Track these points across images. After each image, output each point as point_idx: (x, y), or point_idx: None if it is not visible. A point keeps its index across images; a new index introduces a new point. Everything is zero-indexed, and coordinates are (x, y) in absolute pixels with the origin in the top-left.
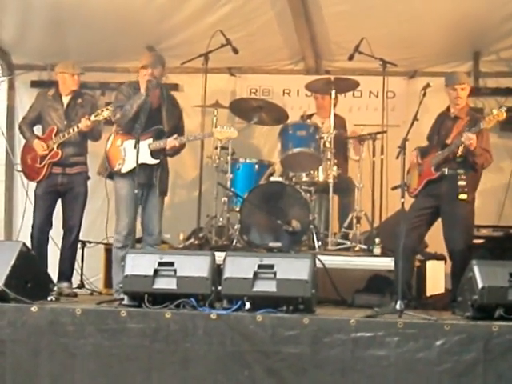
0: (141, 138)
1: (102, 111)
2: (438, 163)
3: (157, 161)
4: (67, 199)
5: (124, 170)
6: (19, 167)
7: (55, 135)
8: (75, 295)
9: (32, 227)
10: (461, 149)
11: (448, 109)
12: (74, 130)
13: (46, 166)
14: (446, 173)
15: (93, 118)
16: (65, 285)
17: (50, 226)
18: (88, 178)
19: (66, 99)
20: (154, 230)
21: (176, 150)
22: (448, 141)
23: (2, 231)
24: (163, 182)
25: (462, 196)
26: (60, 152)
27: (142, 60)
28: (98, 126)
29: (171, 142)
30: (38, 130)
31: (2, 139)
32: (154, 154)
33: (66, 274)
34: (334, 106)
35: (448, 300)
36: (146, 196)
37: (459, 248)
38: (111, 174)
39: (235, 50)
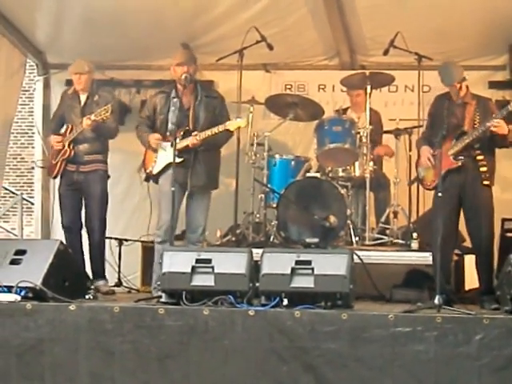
0: (169, 139)
1: (101, 112)
2: (457, 152)
3: (180, 159)
4: (86, 199)
5: (155, 171)
6: (39, 163)
7: (69, 133)
8: (113, 292)
9: (62, 227)
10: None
11: (448, 94)
12: (80, 128)
13: (59, 163)
14: (465, 161)
15: (92, 117)
16: (101, 283)
17: (80, 224)
18: (107, 176)
19: (83, 97)
20: (198, 227)
21: (214, 142)
22: (465, 128)
23: (39, 230)
24: (199, 180)
25: (486, 182)
26: (69, 150)
27: (175, 58)
28: (106, 124)
29: (192, 139)
30: None
31: (39, 138)
32: (179, 152)
33: (98, 272)
34: (369, 100)
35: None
36: (189, 195)
37: (485, 236)
38: (152, 179)
39: (270, 47)
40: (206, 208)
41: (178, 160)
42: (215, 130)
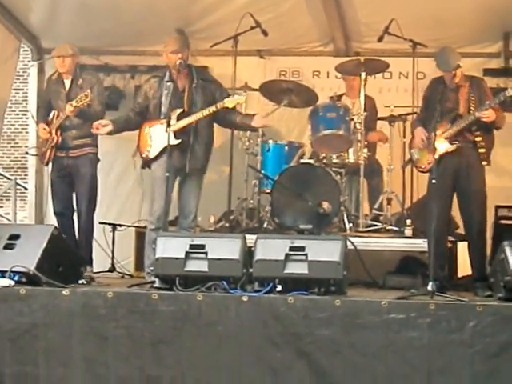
0: (164, 122)
1: (82, 98)
2: (452, 135)
3: (178, 141)
4: (75, 182)
5: (152, 155)
6: (32, 151)
7: (56, 119)
8: (90, 280)
9: (54, 213)
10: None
11: (442, 78)
12: (64, 115)
13: (48, 150)
14: (461, 144)
15: (74, 103)
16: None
17: (72, 209)
18: (97, 159)
19: (67, 82)
20: (190, 213)
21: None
22: (460, 111)
23: (32, 215)
24: (197, 161)
25: (484, 163)
26: (56, 136)
27: (168, 45)
28: (91, 108)
29: (188, 119)
30: None
31: (33, 123)
32: (176, 135)
33: (85, 257)
34: (364, 87)
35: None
36: (183, 178)
37: (478, 221)
38: (145, 163)
39: (265, 33)
40: (199, 193)
41: (175, 142)
42: (213, 108)
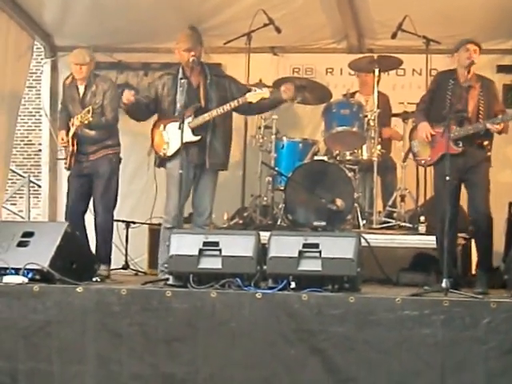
0: (178, 120)
1: (83, 115)
2: (459, 138)
3: (197, 138)
4: (93, 181)
5: (170, 153)
6: (60, 154)
7: (73, 126)
8: (106, 277)
9: (65, 211)
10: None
11: (454, 73)
12: (81, 121)
13: (69, 157)
14: (469, 146)
15: (79, 118)
16: (101, 267)
17: (84, 207)
18: (119, 159)
19: (81, 88)
20: (205, 211)
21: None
22: (469, 114)
23: (46, 212)
24: (216, 157)
25: (491, 166)
26: (72, 146)
27: (181, 42)
28: (102, 118)
29: (210, 113)
30: None
31: (46, 121)
32: (195, 131)
33: (99, 255)
34: (377, 83)
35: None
36: (198, 176)
37: (483, 215)
38: (162, 162)
39: (278, 30)
40: (214, 190)
41: (195, 138)
42: (235, 103)
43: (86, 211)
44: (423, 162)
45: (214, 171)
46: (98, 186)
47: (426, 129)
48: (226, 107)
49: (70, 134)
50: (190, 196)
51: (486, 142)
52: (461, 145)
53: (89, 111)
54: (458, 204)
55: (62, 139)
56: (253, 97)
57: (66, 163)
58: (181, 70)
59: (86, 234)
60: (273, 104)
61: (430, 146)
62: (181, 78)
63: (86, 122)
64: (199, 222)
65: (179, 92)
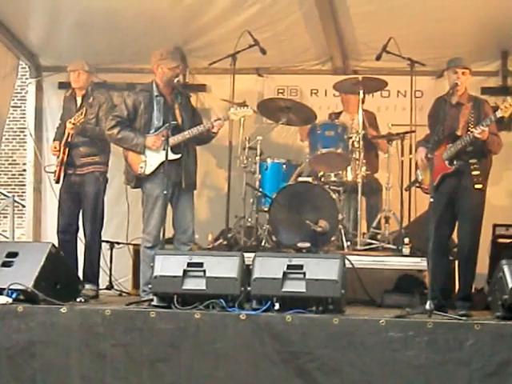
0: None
1: (78, 116)
2: (451, 156)
3: (178, 156)
4: (81, 200)
5: (148, 172)
6: (48, 168)
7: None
8: (95, 296)
9: (57, 229)
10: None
11: (447, 95)
12: (71, 129)
13: (59, 168)
14: (459, 165)
15: (72, 120)
16: (87, 286)
17: (75, 227)
18: (105, 179)
19: (79, 99)
20: (188, 228)
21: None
22: (458, 132)
23: (30, 232)
24: (190, 177)
25: (478, 186)
26: (62, 154)
27: (169, 60)
28: (96, 127)
29: (191, 131)
30: None
31: (31, 141)
32: (174, 149)
33: (86, 276)
34: (362, 103)
35: (478, 299)
36: (176, 195)
37: (469, 241)
38: (138, 181)
39: (263, 51)
40: (193, 207)
41: (175, 156)
42: (217, 122)
43: (78, 229)
44: (426, 188)
45: (190, 190)
46: (86, 206)
47: (421, 154)
48: (207, 125)
49: (63, 141)
50: (170, 216)
51: (472, 160)
52: (455, 163)
53: (82, 113)
54: (452, 225)
55: (55, 147)
56: (235, 114)
57: (55, 175)
58: (155, 87)
59: (77, 254)
60: (211, 137)
61: (430, 170)
62: (156, 96)
63: (79, 123)
64: (184, 239)
65: (156, 110)
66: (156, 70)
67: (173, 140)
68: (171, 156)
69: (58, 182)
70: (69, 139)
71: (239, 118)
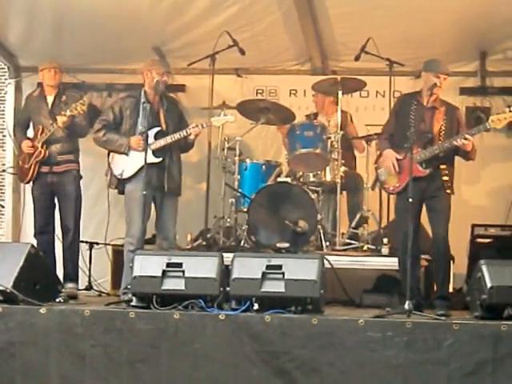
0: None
1: (77, 106)
2: (425, 160)
3: (159, 159)
4: (60, 199)
5: (127, 175)
6: (10, 170)
7: (40, 134)
8: (75, 297)
9: (34, 230)
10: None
11: (417, 95)
12: (53, 127)
13: (32, 166)
14: (433, 170)
15: (68, 112)
16: (70, 285)
17: (53, 227)
18: (80, 177)
19: (50, 98)
20: (170, 233)
21: (183, 147)
22: (434, 136)
23: (9, 233)
24: (174, 182)
25: (448, 191)
26: (43, 150)
27: (157, 65)
28: (79, 121)
29: (172, 136)
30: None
31: (10, 141)
32: (156, 153)
33: (70, 274)
34: (336, 104)
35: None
36: (160, 200)
37: (444, 240)
38: (120, 183)
39: (242, 51)
40: (176, 214)
41: (156, 160)
42: (196, 129)
43: (54, 228)
44: (391, 189)
45: (174, 195)
46: (68, 205)
47: (392, 157)
48: (183, 133)
49: (41, 139)
50: (152, 218)
51: (443, 166)
52: (426, 167)
53: (83, 103)
54: (419, 225)
55: (33, 146)
56: (217, 121)
57: (23, 175)
58: (143, 94)
59: (55, 254)
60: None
61: (397, 172)
62: (143, 103)
63: (79, 112)
64: (165, 245)
65: (141, 115)
66: (146, 75)
67: (155, 144)
68: (152, 159)
69: (28, 182)
70: (51, 136)
71: (221, 124)
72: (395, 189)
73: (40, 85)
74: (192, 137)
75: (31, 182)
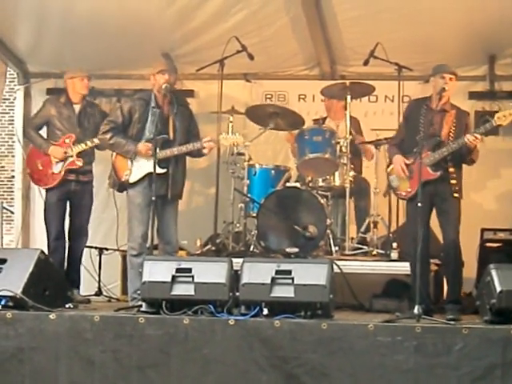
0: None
1: (89, 142)
2: (435, 163)
3: (164, 170)
4: (76, 206)
5: (132, 180)
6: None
7: (73, 143)
8: (88, 301)
9: (48, 237)
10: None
11: (427, 100)
12: (92, 142)
13: (62, 173)
14: (443, 173)
15: (89, 143)
16: (76, 292)
17: (65, 233)
18: (93, 186)
19: (76, 107)
20: (172, 238)
21: (195, 155)
22: (441, 138)
23: (19, 239)
24: (176, 188)
25: (456, 195)
26: (80, 161)
27: (157, 66)
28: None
29: (180, 149)
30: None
31: (19, 147)
32: (161, 163)
33: (76, 281)
34: (345, 109)
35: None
36: (160, 206)
37: (455, 244)
38: (122, 186)
39: (251, 56)
40: (177, 216)
41: (161, 171)
42: (209, 143)
43: (65, 235)
44: (404, 194)
45: (175, 200)
46: (86, 214)
47: (400, 161)
48: (190, 147)
49: (78, 150)
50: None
51: (451, 169)
52: (436, 169)
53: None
54: (429, 229)
55: (65, 152)
56: (225, 140)
57: (48, 180)
58: (153, 98)
59: (64, 261)
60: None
61: (408, 177)
62: (153, 107)
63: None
64: (168, 249)
65: (150, 121)
66: (154, 78)
67: (160, 154)
68: (157, 170)
69: (53, 187)
70: (86, 148)
71: (229, 143)
72: (407, 194)
73: (65, 91)
74: (206, 151)
75: (47, 187)
